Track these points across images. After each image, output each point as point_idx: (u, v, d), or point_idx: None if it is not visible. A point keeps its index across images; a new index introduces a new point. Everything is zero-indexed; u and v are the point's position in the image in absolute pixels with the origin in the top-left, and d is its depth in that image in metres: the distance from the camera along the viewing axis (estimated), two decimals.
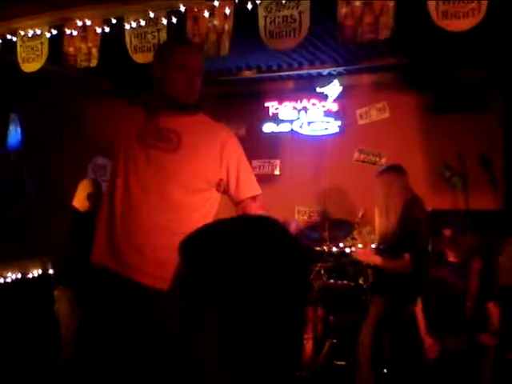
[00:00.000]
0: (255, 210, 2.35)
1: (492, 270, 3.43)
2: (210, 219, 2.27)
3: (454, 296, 3.28)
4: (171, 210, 2.15)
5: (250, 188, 2.35)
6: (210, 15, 3.23)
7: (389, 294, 3.81)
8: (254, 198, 2.38)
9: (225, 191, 2.32)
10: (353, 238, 5.66)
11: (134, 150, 2.23)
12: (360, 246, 4.89)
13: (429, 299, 3.45)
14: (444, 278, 3.35)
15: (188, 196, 2.20)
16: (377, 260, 3.94)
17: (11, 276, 4.74)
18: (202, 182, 2.24)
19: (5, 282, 4.70)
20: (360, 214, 4.51)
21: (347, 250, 5.66)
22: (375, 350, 3.78)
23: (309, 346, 4.51)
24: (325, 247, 4.91)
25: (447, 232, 3.32)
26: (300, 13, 3.13)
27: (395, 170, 4.02)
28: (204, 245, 0.99)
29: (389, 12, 2.96)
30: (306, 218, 6.02)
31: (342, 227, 5.06)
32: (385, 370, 4.25)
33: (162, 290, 2.12)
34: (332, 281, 4.88)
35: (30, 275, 4.83)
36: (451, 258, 3.39)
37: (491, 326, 3.20)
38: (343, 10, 3.02)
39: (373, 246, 5.04)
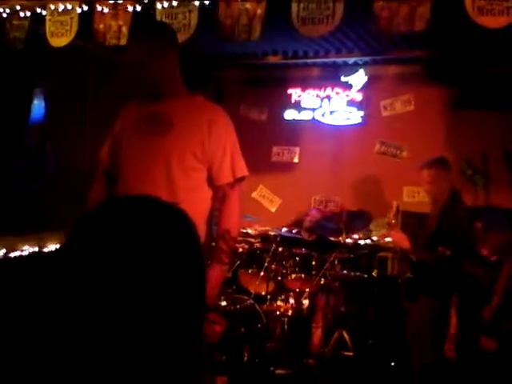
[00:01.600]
0: (234, 199, 2.35)
1: None
2: (208, 202, 2.33)
3: (483, 296, 3.23)
4: (171, 192, 2.18)
5: (232, 171, 2.34)
6: None
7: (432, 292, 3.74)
8: (235, 183, 2.36)
9: (211, 173, 2.31)
10: (368, 230, 5.66)
11: (131, 139, 2.28)
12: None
13: (463, 296, 3.40)
14: (480, 277, 3.29)
15: (185, 176, 2.23)
16: (407, 245, 3.83)
17: (28, 249, 4.78)
18: (195, 160, 2.25)
19: (20, 256, 4.74)
20: (394, 208, 4.12)
21: (361, 242, 5.65)
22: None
23: (317, 334, 4.53)
24: (340, 238, 4.90)
25: (478, 225, 3.28)
26: (334, 0, 3.09)
27: (445, 164, 3.96)
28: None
29: (426, 3, 2.92)
30: (322, 207, 6.01)
31: (359, 219, 5.04)
32: (392, 364, 4.27)
33: None
34: (345, 271, 4.88)
35: (47, 249, 4.85)
36: (485, 253, 3.33)
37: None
38: (380, 1, 2.98)
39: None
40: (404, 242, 3.80)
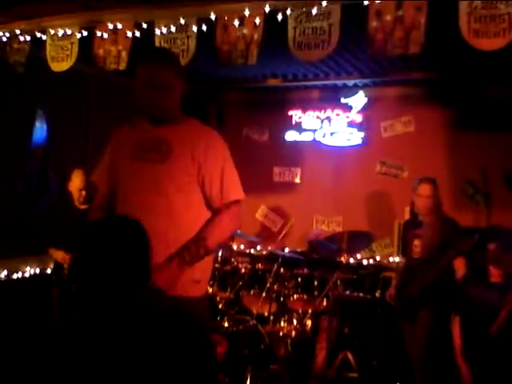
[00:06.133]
0: (225, 217, 2.32)
1: None
2: (200, 220, 2.32)
3: (491, 318, 3.09)
4: (172, 219, 2.22)
5: (226, 194, 2.33)
6: (239, 24, 3.25)
7: (435, 307, 3.74)
8: (232, 203, 2.35)
9: (206, 196, 2.32)
10: (371, 250, 5.65)
11: (130, 167, 2.29)
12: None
13: (468, 320, 3.27)
14: (486, 300, 3.16)
15: (185, 203, 2.25)
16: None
17: (30, 271, 4.79)
18: (195, 186, 2.28)
19: (22, 277, 4.76)
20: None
21: (365, 262, 5.64)
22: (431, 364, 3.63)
23: (321, 356, 4.50)
24: (342, 258, 4.89)
25: (491, 246, 3.18)
26: (330, 25, 3.13)
27: (435, 182, 4.01)
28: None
29: (420, 27, 2.95)
30: (324, 227, 6.02)
31: (361, 239, 5.03)
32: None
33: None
34: (348, 292, 4.86)
35: (49, 270, 4.87)
36: (494, 278, 3.21)
37: None
38: (374, 23, 3.01)
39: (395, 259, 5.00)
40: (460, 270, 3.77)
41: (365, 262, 5.64)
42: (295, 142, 6.11)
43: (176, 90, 2.28)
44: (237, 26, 3.22)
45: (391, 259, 5.52)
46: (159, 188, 2.23)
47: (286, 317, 4.60)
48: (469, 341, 3.25)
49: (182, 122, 2.34)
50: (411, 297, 3.83)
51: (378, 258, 5.65)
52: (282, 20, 3.26)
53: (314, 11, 3.17)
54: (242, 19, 3.23)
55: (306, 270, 4.95)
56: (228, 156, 2.37)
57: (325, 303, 4.68)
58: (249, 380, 3.90)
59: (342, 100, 5.83)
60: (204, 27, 3.31)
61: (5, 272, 4.62)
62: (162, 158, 2.24)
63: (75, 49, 3.80)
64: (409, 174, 5.59)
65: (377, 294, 4.99)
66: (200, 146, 2.27)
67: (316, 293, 4.73)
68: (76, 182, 4.33)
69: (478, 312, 3.21)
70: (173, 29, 3.34)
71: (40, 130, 5.00)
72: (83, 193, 4.31)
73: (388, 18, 3.03)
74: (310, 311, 4.57)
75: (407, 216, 5.54)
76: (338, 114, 5.87)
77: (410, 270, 3.98)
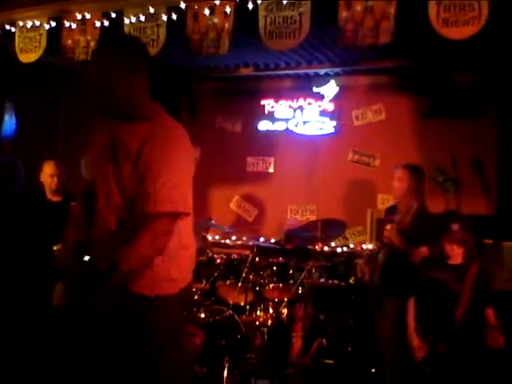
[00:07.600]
0: (149, 231, 2.05)
1: (488, 275, 3.37)
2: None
3: (449, 299, 3.24)
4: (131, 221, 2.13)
5: (149, 204, 2.05)
6: (210, 13, 3.24)
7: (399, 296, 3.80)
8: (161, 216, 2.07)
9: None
10: (344, 238, 5.71)
11: (99, 162, 2.20)
12: None
13: (423, 300, 3.41)
14: (443, 281, 3.31)
15: (136, 206, 2.13)
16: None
17: None
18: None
19: None
20: None
21: (338, 250, 5.70)
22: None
23: (297, 343, 4.53)
24: (317, 247, 4.93)
25: (455, 227, 3.30)
26: (300, 14, 3.14)
27: (418, 171, 4.03)
28: None
29: (389, 17, 2.99)
30: (298, 216, 6.05)
31: (334, 227, 5.07)
32: (373, 370, 4.30)
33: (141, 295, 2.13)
34: (323, 280, 4.91)
35: None
36: (455, 259, 3.35)
37: (492, 327, 3.17)
38: (344, 13, 3.04)
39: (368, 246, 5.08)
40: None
41: (339, 249, 5.70)
42: (268, 132, 6.11)
43: (134, 90, 2.06)
44: (207, 15, 3.21)
45: (364, 246, 5.60)
46: (117, 190, 2.14)
47: (262, 306, 4.62)
48: (428, 321, 3.36)
49: (151, 119, 2.14)
50: (376, 282, 3.92)
51: (351, 246, 5.72)
52: (252, 9, 3.26)
53: (285, 0, 3.18)
54: (212, 8, 3.23)
55: (281, 259, 4.98)
56: (177, 164, 2.11)
57: (300, 291, 4.72)
58: (226, 370, 3.91)
59: (314, 89, 5.84)
60: (174, 16, 3.29)
61: None
62: (121, 162, 2.12)
63: (44, 40, 3.76)
64: (380, 161, 5.65)
65: (351, 281, 5.06)
66: (152, 151, 2.07)
67: (291, 281, 4.76)
68: (47, 171, 4.28)
69: (436, 293, 3.33)
70: (142, 18, 3.31)
71: (9, 122, 4.91)
72: (55, 179, 4.26)
73: (358, 8, 3.06)
74: (285, 300, 4.60)
75: (380, 203, 5.64)
76: (310, 103, 5.89)
77: (377, 255, 4.06)
